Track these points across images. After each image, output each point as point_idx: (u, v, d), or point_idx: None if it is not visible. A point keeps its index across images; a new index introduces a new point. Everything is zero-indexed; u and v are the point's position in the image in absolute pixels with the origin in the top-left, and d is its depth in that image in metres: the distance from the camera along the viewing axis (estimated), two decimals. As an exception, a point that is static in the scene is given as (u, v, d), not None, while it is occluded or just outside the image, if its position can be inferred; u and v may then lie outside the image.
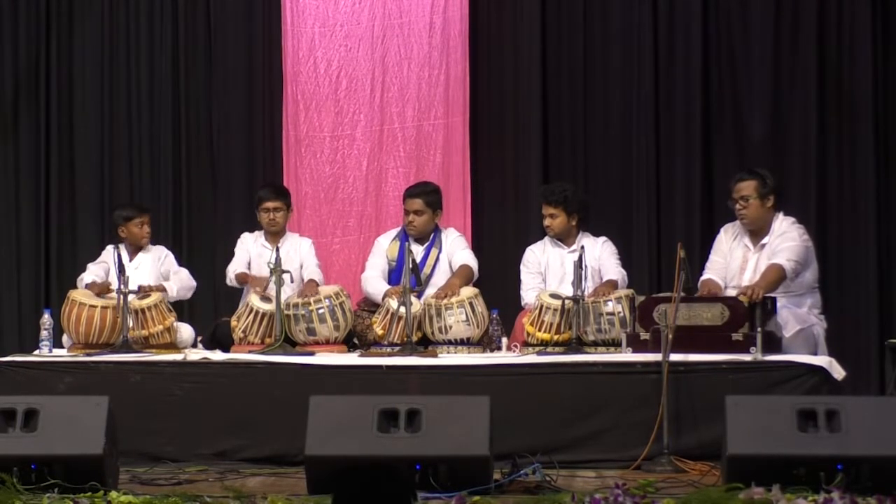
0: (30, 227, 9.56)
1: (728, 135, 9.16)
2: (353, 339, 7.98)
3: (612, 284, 7.77)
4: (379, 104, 9.28)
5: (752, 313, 7.12)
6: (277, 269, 7.55)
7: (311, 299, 7.74)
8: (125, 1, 9.55)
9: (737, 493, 5.52)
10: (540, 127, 9.24)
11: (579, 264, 7.39)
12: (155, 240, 8.41)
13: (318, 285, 7.99)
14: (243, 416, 7.10)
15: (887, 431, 5.80)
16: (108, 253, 8.15)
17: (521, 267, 8.19)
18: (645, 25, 9.17)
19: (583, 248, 7.71)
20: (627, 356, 7.20)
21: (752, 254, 7.68)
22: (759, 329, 7.00)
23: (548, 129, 9.29)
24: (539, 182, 9.02)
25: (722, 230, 7.89)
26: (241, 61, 9.49)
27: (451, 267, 8.16)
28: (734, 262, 7.73)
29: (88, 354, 7.48)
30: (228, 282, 8.34)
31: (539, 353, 7.41)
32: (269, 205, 8.31)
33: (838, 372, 6.96)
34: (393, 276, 8.18)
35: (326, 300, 7.76)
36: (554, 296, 7.62)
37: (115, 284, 7.71)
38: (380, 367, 7.18)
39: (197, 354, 7.59)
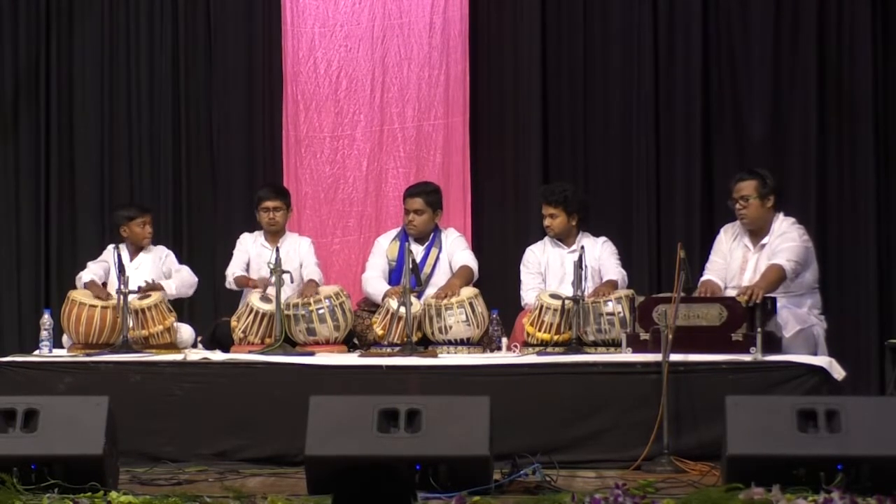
0: (30, 227, 9.56)
1: (728, 135, 9.16)
2: (353, 340, 7.98)
3: (612, 284, 7.77)
4: (379, 104, 9.28)
5: (752, 313, 7.12)
6: (277, 269, 7.55)
7: (311, 299, 7.74)
8: (125, 1, 9.55)
9: (737, 493, 5.52)
10: (540, 127, 9.24)
11: (579, 264, 7.39)
12: (155, 240, 8.41)
13: (317, 285, 7.99)
14: (243, 416, 7.10)
15: (887, 431, 5.80)
16: (109, 252, 8.14)
17: (521, 267, 8.19)
18: (645, 25, 9.17)
19: (583, 248, 7.71)
20: (627, 356, 7.20)
21: (752, 254, 7.68)
22: (759, 329, 7.00)
23: (548, 129, 9.29)
24: (539, 182, 9.02)
25: (722, 230, 7.89)
26: (241, 61, 9.49)
27: (451, 267, 8.16)
28: (734, 262, 7.73)
29: (88, 354, 7.49)
30: (227, 285, 8.33)
31: (539, 354, 7.41)
32: (269, 204, 8.31)
33: (838, 372, 6.96)
34: (393, 277, 8.18)
35: (326, 300, 7.77)
36: (554, 296, 7.62)
37: (114, 284, 7.72)
38: (380, 367, 7.18)
39: (197, 354, 7.59)
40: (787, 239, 7.55)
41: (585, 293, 7.47)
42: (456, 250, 8.21)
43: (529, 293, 8.00)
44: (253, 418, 7.09)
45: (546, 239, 8.17)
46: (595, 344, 7.46)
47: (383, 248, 8.30)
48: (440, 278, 8.09)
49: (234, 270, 8.28)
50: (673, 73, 9.20)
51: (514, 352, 7.64)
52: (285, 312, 7.65)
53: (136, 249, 8.26)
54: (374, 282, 8.16)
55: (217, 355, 7.57)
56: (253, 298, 7.84)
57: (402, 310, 7.49)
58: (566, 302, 7.45)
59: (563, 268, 7.99)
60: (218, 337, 7.96)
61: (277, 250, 7.79)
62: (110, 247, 8.21)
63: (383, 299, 7.88)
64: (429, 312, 7.63)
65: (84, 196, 9.55)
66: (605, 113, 9.29)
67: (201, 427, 7.12)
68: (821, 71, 9.07)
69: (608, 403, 6.99)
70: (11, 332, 9.46)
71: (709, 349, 7.07)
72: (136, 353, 7.45)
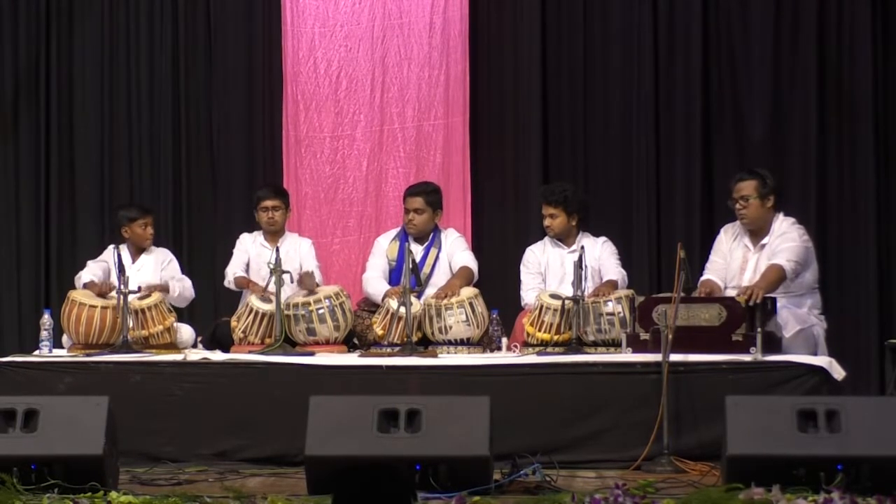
0: (30, 227, 9.56)
1: (728, 135, 9.16)
2: (353, 340, 7.98)
3: (612, 284, 7.77)
4: (379, 104, 9.28)
5: (752, 314, 7.12)
6: (277, 269, 7.54)
7: (311, 299, 7.74)
8: (125, 1, 9.55)
9: (737, 493, 5.52)
10: (540, 127, 9.24)
11: (579, 264, 7.39)
12: (156, 240, 8.40)
13: (315, 279, 7.97)
14: (243, 416, 7.10)
15: (887, 431, 5.80)
16: (109, 253, 8.14)
17: (521, 267, 8.19)
18: (645, 25, 9.18)
19: (583, 248, 7.71)
20: (627, 356, 7.20)
21: (752, 254, 7.68)
22: (759, 329, 7.00)
23: (548, 129, 9.29)
24: (539, 182, 9.02)
25: (722, 230, 7.89)
26: (241, 61, 9.49)
27: (450, 268, 8.16)
28: (734, 262, 7.72)
29: (88, 354, 7.48)
30: (227, 283, 8.33)
31: (539, 354, 7.41)
32: (268, 203, 8.31)
33: (838, 372, 6.96)
34: (393, 276, 8.18)
35: (326, 300, 7.77)
36: (554, 296, 7.61)
37: (115, 285, 7.72)
38: (380, 367, 7.18)
39: (197, 354, 7.59)
40: (787, 239, 7.55)
41: (585, 293, 7.47)
42: (456, 251, 8.21)
43: (529, 293, 8.00)
44: (253, 418, 7.09)
45: (546, 239, 8.17)
46: (595, 344, 7.46)
47: (383, 248, 8.30)
48: (440, 278, 8.09)
49: (234, 270, 8.28)
50: (673, 73, 9.20)
51: (514, 352, 7.64)
52: (285, 312, 7.65)
53: (137, 251, 8.25)
54: (375, 282, 8.16)
55: (217, 355, 7.58)
56: (253, 298, 7.84)
57: (402, 310, 7.49)
58: (566, 302, 7.45)
59: (563, 268, 7.98)
60: (218, 337, 7.96)
61: (277, 250, 7.79)
62: (111, 247, 8.20)
63: (383, 299, 7.88)
64: (429, 312, 7.63)
65: (84, 196, 9.55)
66: (605, 113, 9.29)
67: (201, 427, 7.12)
68: (821, 71, 9.07)
69: (608, 403, 6.98)
70: (11, 332, 9.47)
71: (709, 349, 7.07)
72: (136, 353, 7.45)
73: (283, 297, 7.63)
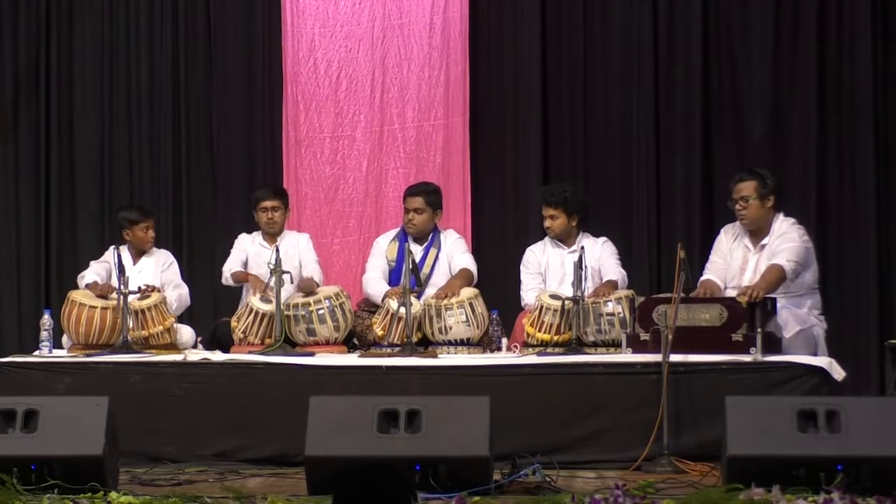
0: (30, 227, 9.56)
1: (728, 135, 9.16)
2: (353, 340, 7.98)
3: (612, 285, 7.77)
4: (379, 105, 9.28)
5: (752, 314, 7.12)
6: (277, 270, 7.54)
7: (311, 300, 7.74)
8: (125, 1, 9.55)
9: (737, 493, 5.52)
10: (540, 127, 9.24)
11: (579, 265, 7.39)
12: (156, 241, 8.39)
13: (315, 284, 7.96)
14: (243, 417, 7.10)
15: (887, 432, 5.80)
16: (110, 254, 8.14)
17: (521, 267, 8.19)
18: (645, 25, 9.17)
19: (583, 248, 7.71)
20: (627, 357, 7.20)
21: (752, 254, 7.68)
22: (759, 329, 7.00)
23: (548, 129, 9.29)
24: (539, 182, 9.02)
25: (722, 231, 7.89)
26: (241, 61, 9.49)
27: (450, 269, 8.16)
28: (734, 262, 7.72)
29: (88, 355, 7.48)
30: (224, 281, 8.33)
31: (539, 354, 7.41)
32: (267, 204, 8.31)
33: (838, 372, 6.96)
34: (393, 277, 8.18)
35: (326, 301, 7.76)
36: (554, 296, 7.61)
37: (115, 287, 7.72)
38: (380, 367, 7.18)
39: (197, 355, 7.59)
40: (787, 239, 7.55)
41: (585, 293, 7.47)
42: (456, 253, 8.21)
43: (529, 293, 8.00)
44: (253, 418, 7.09)
45: (546, 239, 8.17)
46: (595, 344, 7.46)
47: (382, 248, 8.30)
48: (439, 278, 8.09)
49: (230, 267, 8.28)
50: (673, 73, 9.19)
51: (514, 352, 7.64)
52: (285, 313, 7.65)
53: (138, 253, 8.24)
54: (375, 282, 8.16)
55: (217, 356, 7.58)
56: (253, 299, 7.84)
57: (402, 310, 7.49)
58: (566, 302, 7.45)
59: (563, 268, 7.98)
60: (218, 337, 7.96)
61: (277, 250, 7.78)
62: (111, 248, 8.19)
63: (383, 300, 7.88)
64: (429, 313, 7.63)
65: (84, 196, 9.55)
66: (605, 113, 9.29)
67: (201, 427, 7.12)
68: (821, 71, 9.07)
69: (608, 404, 6.98)
70: (11, 332, 9.46)
71: (709, 349, 7.06)
72: (136, 354, 7.45)
73: (283, 297, 7.63)
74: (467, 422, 5.97)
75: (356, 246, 9.22)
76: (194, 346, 8.01)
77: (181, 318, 8.18)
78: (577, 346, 7.36)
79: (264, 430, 7.06)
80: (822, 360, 7.06)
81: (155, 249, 8.32)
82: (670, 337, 6.83)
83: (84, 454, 5.92)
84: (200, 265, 9.30)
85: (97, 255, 8.39)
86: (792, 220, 7.69)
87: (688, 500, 5.63)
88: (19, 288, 9.55)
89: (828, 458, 5.71)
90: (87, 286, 7.90)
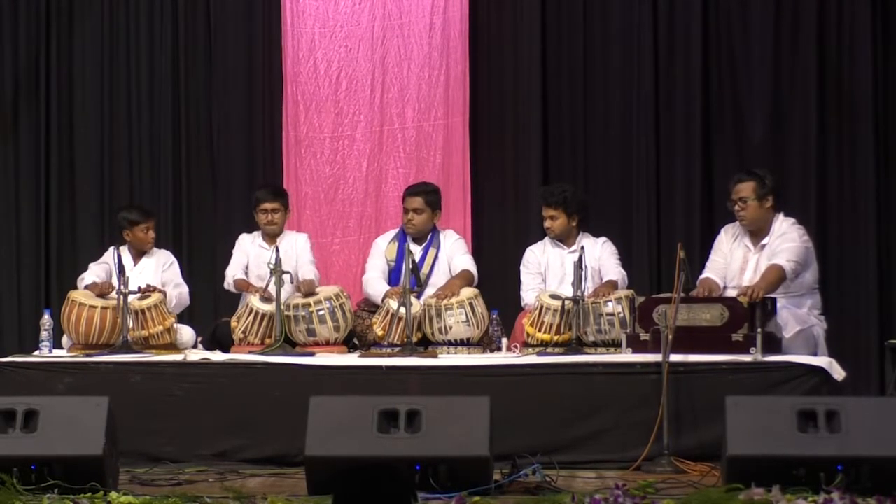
0: (30, 227, 9.56)
1: (728, 135, 9.16)
2: (354, 340, 7.98)
3: (612, 285, 7.77)
4: (379, 105, 9.28)
5: (752, 314, 7.12)
6: (277, 270, 7.54)
7: (312, 300, 7.74)
8: (125, 1, 9.55)
9: (737, 493, 5.52)
10: (540, 127, 9.24)
11: (579, 265, 7.39)
12: (156, 241, 8.39)
13: (314, 287, 7.95)
14: (243, 417, 7.10)
15: (887, 432, 5.80)
16: (110, 254, 8.13)
17: (521, 267, 8.18)
18: (645, 25, 9.17)
19: (583, 248, 7.71)
20: (627, 357, 7.20)
21: (752, 254, 7.68)
22: (759, 330, 7.00)
23: (548, 129, 9.29)
24: (539, 182, 9.02)
25: (722, 230, 7.89)
26: (241, 61, 9.49)
27: (450, 269, 8.16)
28: (734, 262, 7.73)
29: (88, 355, 7.48)
30: (226, 286, 8.32)
31: (539, 354, 7.41)
32: (267, 206, 8.30)
33: (838, 372, 6.96)
34: (392, 277, 8.18)
35: (326, 301, 7.76)
36: (554, 296, 7.61)
37: (115, 285, 7.72)
38: (380, 367, 7.18)
39: (197, 355, 7.59)
40: (787, 239, 7.55)
41: (585, 293, 7.47)
42: (456, 254, 8.20)
43: (529, 293, 8.00)
44: (253, 418, 7.09)
45: (546, 239, 8.17)
46: (595, 344, 7.46)
47: (381, 249, 8.29)
48: (439, 278, 8.09)
49: (233, 273, 8.27)
50: (673, 73, 9.19)
51: (514, 352, 7.64)
52: (285, 313, 7.65)
53: (138, 254, 8.24)
54: (375, 282, 8.16)
55: (217, 356, 7.58)
56: (253, 299, 7.84)
57: (402, 310, 7.49)
58: (566, 302, 7.45)
59: (563, 268, 7.98)
60: (218, 337, 7.96)
61: (277, 250, 7.78)
62: (111, 248, 8.19)
63: (383, 300, 7.87)
64: (429, 313, 7.63)
65: (84, 196, 9.55)
66: (605, 113, 9.29)
67: (201, 427, 7.12)
68: (821, 71, 9.07)
69: (608, 404, 6.98)
70: (11, 332, 9.46)
71: (709, 349, 7.06)
72: (136, 354, 7.45)
73: (284, 297, 7.63)
74: (467, 422, 5.97)
75: (356, 246, 9.22)
76: (194, 346, 8.01)
77: (181, 318, 8.18)
78: (577, 346, 7.36)
79: (264, 430, 7.06)
80: (822, 360, 7.06)
81: (155, 250, 8.32)
82: (670, 337, 6.83)
83: (84, 454, 5.92)
84: (200, 265, 9.30)
85: (97, 255, 8.39)
86: (792, 220, 7.69)
87: (688, 500, 5.63)
88: (19, 288, 9.55)
89: (828, 458, 5.71)
90: (87, 287, 7.90)
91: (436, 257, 8.19)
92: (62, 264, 9.45)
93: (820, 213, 8.98)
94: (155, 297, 7.80)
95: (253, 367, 7.28)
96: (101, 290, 7.79)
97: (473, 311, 7.64)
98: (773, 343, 7.16)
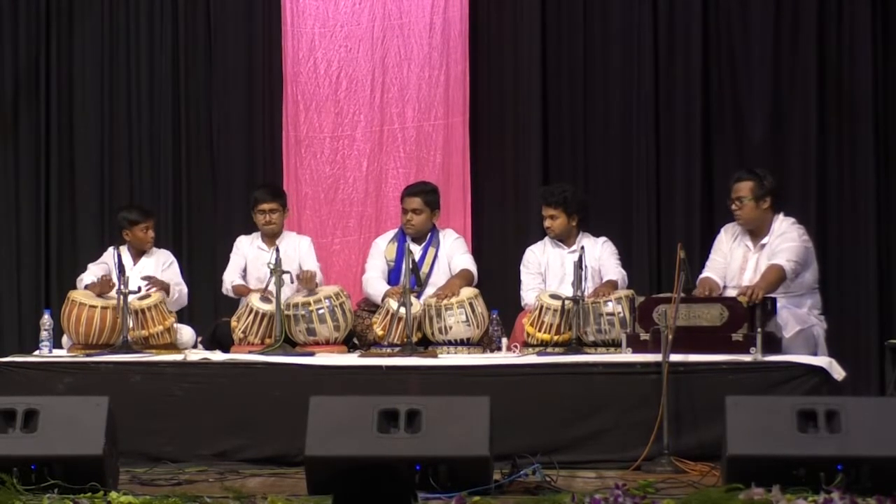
0: (30, 227, 9.56)
1: (728, 135, 9.16)
2: (353, 340, 7.98)
3: (612, 285, 7.77)
4: (379, 105, 9.28)
5: (752, 314, 7.12)
6: (277, 270, 7.54)
7: (311, 299, 7.74)
8: (125, 1, 9.55)
9: (737, 493, 5.52)
10: (540, 127, 9.24)
11: (579, 265, 7.39)
12: (156, 241, 8.39)
13: (316, 279, 7.95)
14: (243, 417, 7.10)
15: (887, 432, 5.80)
16: (109, 254, 8.13)
17: (521, 267, 8.19)
18: (645, 25, 9.17)
19: (583, 248, 7.71)
20: (627, 357, 7.20)
21: (752, 254, 7.69)
22: (759, 329, 7.00)
23: (548, 129, 9.29)
24: (539, 182, 9.02)
25: (722, 230, 7.89)
26: (241, 61, 9.49)
27: (450, 269, 8.16)
28: (734, 262, 7.73)
29: (88, 355, 7.48)
30: (225, 291, 8.32)
31: (539, 354, 7.41)
32: (265, 206, 8.29)
33: (838, 372, 6.96)
34: (392, 277, 8.18)
35: (326, 301, 7.76)
36: (554, 296, 7.61)
37: (115, 283, 7.72)
38: (380, 367, 7.18)
39: (197, 355, 7.59)
40: (786, 239, 7.56)
41: (585, 293, 7.47)
42: (455, 253, 8.20)
43: (529, 293, 8.00)
44: (253, 418, 7.09)
45: (546, 239, 8.17)
46: (595, 344, 7.46)
47: (381, 249, 8.29)
48: (439, 278, 8.09)
49: (231, 278, 8.27)
50: (673, 73, 9.19)
51: (514, 352, 7.64)
52: (285, 313, 7.65)
53: (137, 253, 8.24)
54: (375, 282, 8.16)
55: (217, 355, 7.58)
56: (253, 299, 7.84)
57: (402, 310, 7.49)
58: (566, 302, 7.45)
59: (563, 268, 7.98)
60: (218, 337, 7.96)
61: (277, 250, 7.78)
62: (110, 248, 8.19)
63: (383, 300, 7.87)
64: (429, 313, 7.63)
65: (84, 196, 9.55)
66: (605, 113, 9.29)
67: (201, 427, 7.12)
68: (821, 71, 9.07)
69: (608, 403, 6.98)
70: (11, 332, 9.46)
71: (709, 349, 7.06)
72: (136, 354, 7.45)
73: (283, 297, 7.63)
74: (467, 422, 5.97)
75: (356, 246, 9.22)
76: (194, 346, 8.01)
77: (181, 318, 8.18)
78: (577, 346, 7.36)
79: (264, 430, 7.06)
80: (822, 360, 7.06)
81: (155, 249, 8.32)
82: (670, 337, 6.83)
83: (84, 454, 5.92)
84: (200, 265, 9.30)
85: (97, 255, 8.39)
86: (792, 219, 7.69)
87: (688, 500, 5.63)
88: (19, 288, 9.55)
89: (828, 458, 5.71)
90: (87, 286, 7.90)
91: (435, 256, 8.20)
92: (62, 264, 9.46)
93: (820, 213, 8.98)
94: (155, 297, 7.80)
95: (253, 367, 7.28)
96: (101, 288, 7.78)
97: (473, 310, 7.64)
98: (773, 343, 7.16)
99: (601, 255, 8.03)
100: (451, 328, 7.60)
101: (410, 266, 7.44)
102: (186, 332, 8.02)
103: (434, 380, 7.08)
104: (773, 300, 7.30)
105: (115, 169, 9.53)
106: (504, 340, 7.82)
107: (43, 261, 9.51)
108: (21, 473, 5.84)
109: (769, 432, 5.81)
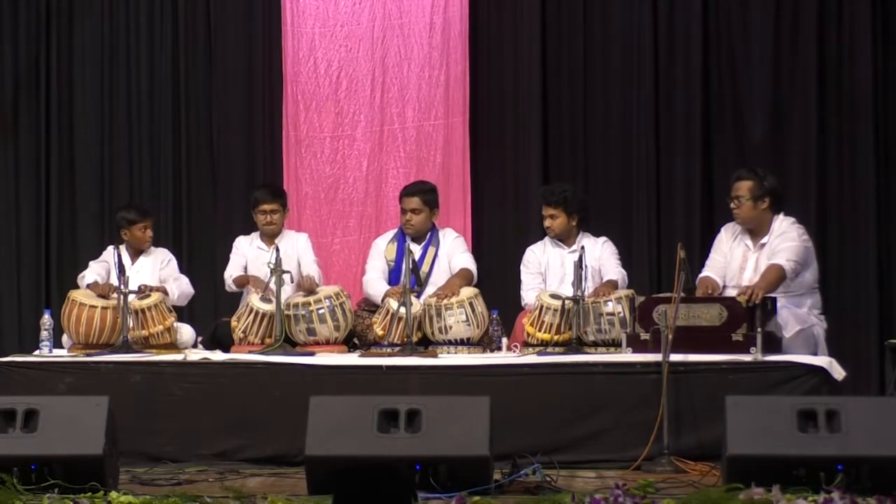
0: (30, 227, 9.56)
1: (728, 135, 9.16)
2: (354, 340, 7.98)
3: (613, 284, 7.77)
4: (379, 105, 9.28)
5: (752, 313, 7.12)
6: (277, 269, 7.54)
7: (312, 299, 7.74)
8: (125, 1, 9.55)
9: (737, 493, 5.52)
10: (540, 127, 9.24)
11: (579, 264, 7.39)
12: (155, 241, 8.39)
13: (315, 283, 7.95)
14: (243, 416, 7.10)
15: (887, 431, 5.80)
16: (109, 253, 8.14)
17: (522, 267, 8.19)
18: (645, 25, 9.17)
19: (583, 248, 7.71)
20: (627, 356, 7.20)
21: (751, 253, 7.69)
22: (759, 329, 7.00)
23: (548, 129, 9.29)
24: (539, 182, 9.02)
25: (722, 229, 7.89)
26: (241, 61, 9.49)
27: (450, 268, 8.16)
28: (734, 261, 7.73)
29: (88, 355, 7.48)
30: (227, 288, 8.32)
31: (539, 354, 7.41)
32: (266, 207, 8.29)
33: (838, 372, 6.96)
34: (392, 277, 8.18)
35: (327, 300, 7.76)
36: (554, 296, 7.61)
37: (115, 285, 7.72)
38: (380, 367, 7.18)
39: (197, 354, 7.59)
40: (786, 239, 7.56)
41: (585, 293, 7.47)
42: (455, 252, 8.20)
43: (529, 293, 8.00)
44: (253, 418, 7.09)
45: (546, 239, 8.17)
46: (595, 344, 7.46)
47: (381, 249, 8.29)
48: (439, 277, 8.09)
49: (231, 273, 8.28)
50: (673, 73, 9.19)
51: (514, 352, 7.64)
52: (285, 312, 7.65)
53: (136, 253, 8.24)
54: (375, 282, 8.16)
55: (217, 355, 7.57)
56: (253, 298, 7.84)
57: (402, 310, 7.49)
58: (566, 302, 7.45)
59: (564, 268, 7.98)
60: (218, 337, 7.96)
61: (277, 249, 7.78)
62: (110, 248, 8.20)
63: (383, 300, 7.87)
64: (429, 312, 7.63)
65: (84, 196, 9.55)
66: (605, 113, 9.29)
67: (201, 427, 7.12)
68: (821, 71, 9.07)
69: (608, 403, 6.98)
70: (11, 332, 9.46)
71: (709, 349, 7.06)
72: (136, 354, 7.45)
73: (283, 297, 7.63)
74: (467, 422, 5.97)
75: (356, 246, 9.22)
76: (194, 346, 8.01)
77: (181, 318, 8.17)
78: (577, 345, 7.36)
79: (264, 430, 7.06)
80: (822, 360, 7.06)
81: (153, 248, 8.32)
82: (670, 337, 6.83)
83: (84, 454, 5.92)
84: (200, 265, 9.29)
85: (97, 255, 8.39)
86: (792, 219, 7.69)
87: (688, 500, 5.63)
88: (19, 288, 9.55)
89: (828, 457, 5.71)
90: (89, 286, 7.90)
91: (435, 256, 8.19)
92: (62, 264, 9.46)
93: (820, 213, 8.99)
94: (155, 297, 7.80)
95: (253, 366, 7.28)
96: (103, 292, 7.78)
97: (473, 310, 7.64)
98: (773, 343, 7.16)
99: (601, 255, 8.03)
100: (451, 328, 7.60)
101: (410, 266, 7.44)
102: (186, 332, 8.02)
103: (434, 380, 7.08)
104: (773, 300, 7.30)
105: (115, 169, 9.54)
106: (504, 340, 7.82)
107: (43, 261, 9.51)
108: (21, 473, 5.84)
109: (769, 432, 5.81)
